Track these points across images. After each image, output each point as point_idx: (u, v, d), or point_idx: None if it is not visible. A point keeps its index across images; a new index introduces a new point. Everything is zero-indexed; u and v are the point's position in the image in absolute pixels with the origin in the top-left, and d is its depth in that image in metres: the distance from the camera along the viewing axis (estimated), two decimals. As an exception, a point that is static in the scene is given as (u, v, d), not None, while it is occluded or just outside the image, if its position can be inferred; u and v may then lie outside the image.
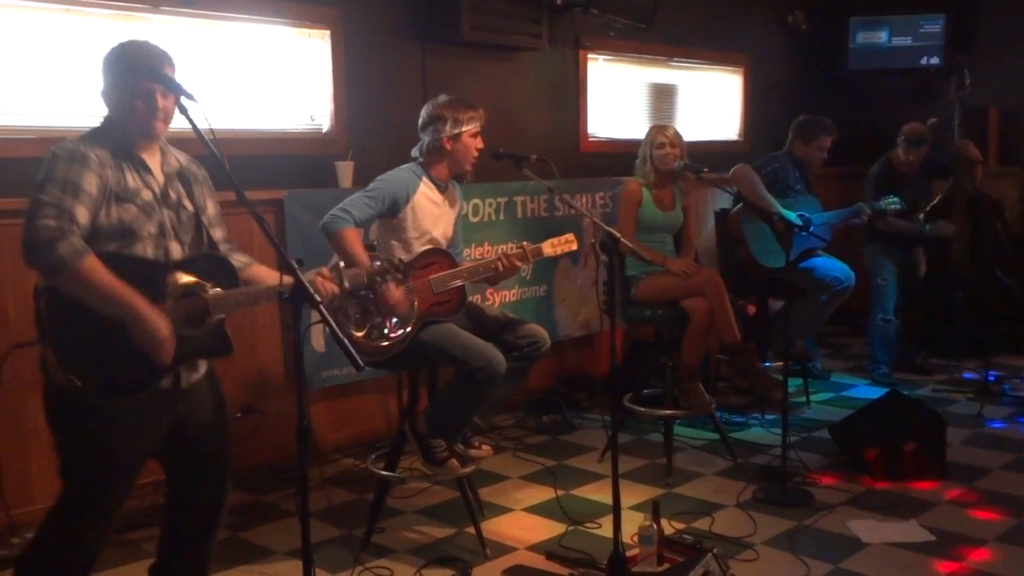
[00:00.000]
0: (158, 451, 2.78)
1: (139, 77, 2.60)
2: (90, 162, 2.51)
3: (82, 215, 2.46)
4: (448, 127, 3.86)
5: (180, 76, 2.67)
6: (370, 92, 5.11)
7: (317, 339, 4.70)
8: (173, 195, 2.71)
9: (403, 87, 5.25)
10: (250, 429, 4.59)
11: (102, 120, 2.69)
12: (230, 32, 4.59)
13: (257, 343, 4.65)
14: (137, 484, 2.80)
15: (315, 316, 2.49)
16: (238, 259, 2.88)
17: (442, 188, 3.98)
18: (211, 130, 2.54)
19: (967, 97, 6.07)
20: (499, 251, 3.97)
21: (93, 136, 2.62)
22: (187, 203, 2.75)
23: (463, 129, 3.87)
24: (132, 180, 2.61)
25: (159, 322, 2.50)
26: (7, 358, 3.56)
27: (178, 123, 2.63)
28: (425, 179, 3.92)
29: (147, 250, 2.61)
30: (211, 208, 2.86)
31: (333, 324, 2.42)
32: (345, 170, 4.85)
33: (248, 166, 4.49)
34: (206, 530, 2.92)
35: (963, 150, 6.06)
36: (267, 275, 2.88)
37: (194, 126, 2.55)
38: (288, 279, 2.48)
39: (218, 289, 2.68)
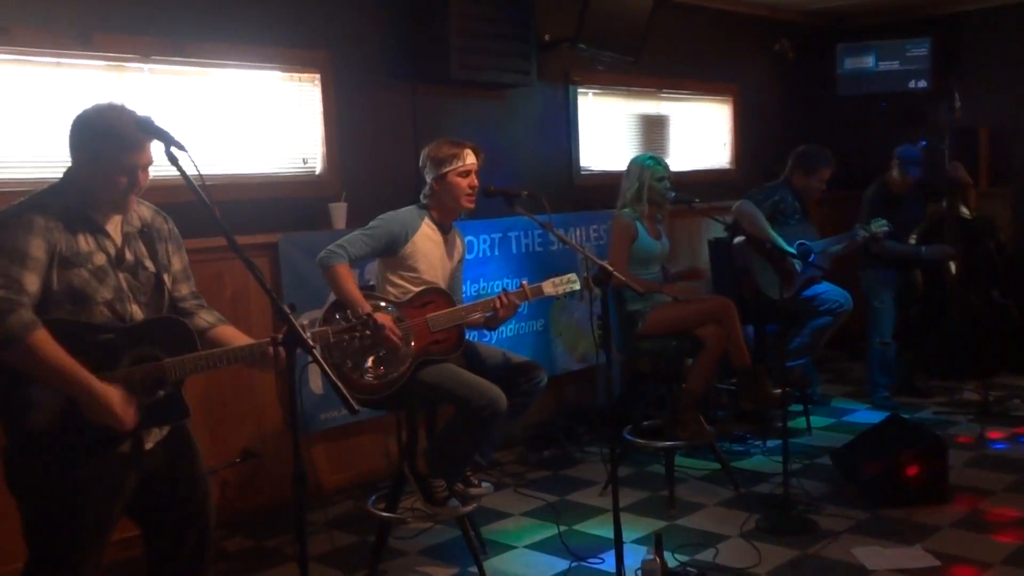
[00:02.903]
0: (129, 510, 2.70)
1: (124, 152, 2.55)
2: (35, 227, 2.46)
3: (31, 282, 2.42)
4: (434, 170, 3.93)
5: (170, 124, 2.67)
6: (361, 133, 5.15)
7: (316, 381, 4.70)
8: (130, 256, 2.64)
9: (394, 127, 5.29)
10: (249, 473, 4.58)
11: (61, 177, 2.63)
12: (221, 80, 4.63)
13: (255, 386, 4.65)
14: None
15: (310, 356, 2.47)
16: (205, 318, 2.82)
17: (444, 230, 4.00)
18: (201, 177, 2.53)
19: (958, 120, 6.09)
20: (497, 289, 3.97)
21: (42, 199, 2.55)
22: (147, 263, 2.68)
23: (445, 170, 3.91)
24: (85, 244, 2.55)
25: (109, 395, 2.45)
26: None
27: (169, 171, 2.63)
28: (427, 220, 3.96)
29: (103, 315, 2.54)
30: (177, 264, 2.80)
31: (328, 369, 2.42)
32: (338, 211, 4.87)
33: (242, 211, 4.52)
34: None
35: (953, 173, 6.08)
36: (233, 337, 2.78)
37: (184, 175, 2.54)
38: (254, 342, 2.50)
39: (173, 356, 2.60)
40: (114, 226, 2.64)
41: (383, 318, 3.68)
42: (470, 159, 3.95)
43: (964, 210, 6.14)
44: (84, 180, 2.60)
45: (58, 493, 2.52)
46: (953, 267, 6.16)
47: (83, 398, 2.44)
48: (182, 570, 2.81)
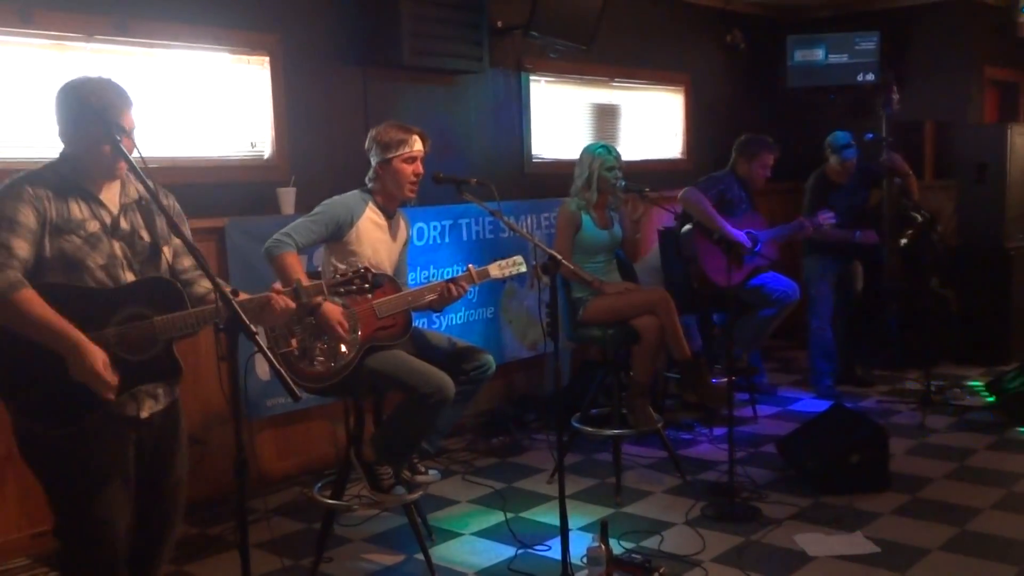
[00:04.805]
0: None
1: (107, 124, 2.57)
2: (24, 196, 2.54)
3: (20, 247, 2.50)
4: (379, 154, 3.90)
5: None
6: (311, 118, 5.09)
7: (262, 367, 4.65)
8: (126, 225, 2.69)
9: (345, 112, 5.24)
10: (194, 460, 4.50)
11: (58, 155, 2.68)
12: (167, 60, 4.54)
13: (200, 372, 4.57)
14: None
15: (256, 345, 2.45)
16: (204, 285, 2.85)
17: (388, 215, 3.97)
18: (143, 160, 2.57)
19: (895, 114, 6.17)
20: (447, 276, 3.95)
21: (37, 172, 2.63)
22: (143, 233, 2.73)
23: (392, 155, 3.88)
24: (78, 212, 2.60)
25: (95, 355, 2.49)
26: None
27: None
28: (371, 204, 3.93)
29: (96, 279, 2.60)
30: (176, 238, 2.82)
31: (269, 355, 2.40)
32: (287, 196, 4.82)
33: (189, 194, 4.38)
34: (149, 561, 2.87)
35: (888, 163, 6.16)
36: None
37: (126, 158, 2.56)
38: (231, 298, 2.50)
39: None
40: (111, 196, 2.69)
41: (331, 310, 3.64)
42: (417, 146, 3.92)
43: (912, 202, 6.24)
44: (73, 152, 2.65)
45: (65, 450, 2.59)
46: (888, 257, 6.23)
47: (69, 354, 2.48)
48: (142, 547, 2.83)
